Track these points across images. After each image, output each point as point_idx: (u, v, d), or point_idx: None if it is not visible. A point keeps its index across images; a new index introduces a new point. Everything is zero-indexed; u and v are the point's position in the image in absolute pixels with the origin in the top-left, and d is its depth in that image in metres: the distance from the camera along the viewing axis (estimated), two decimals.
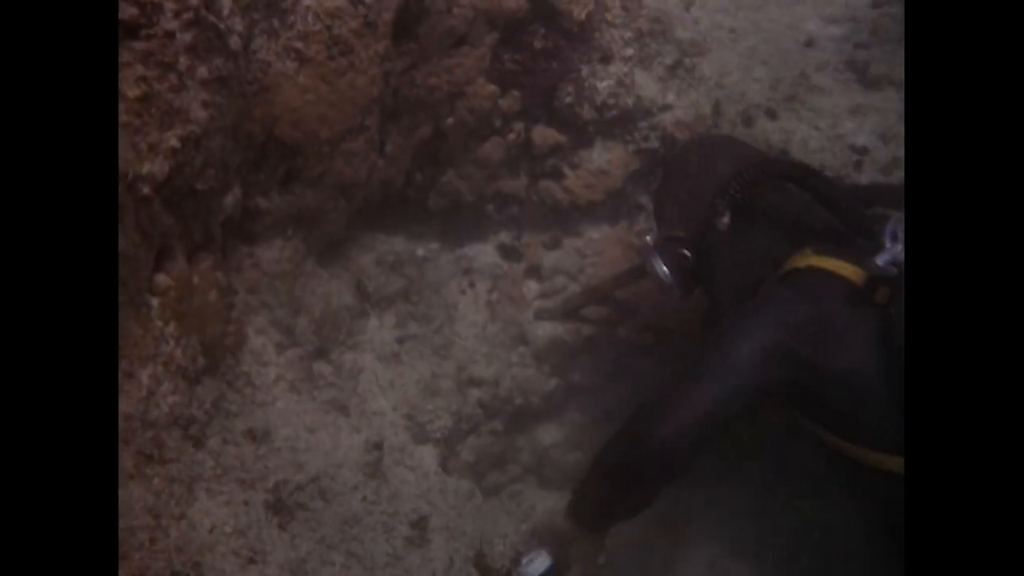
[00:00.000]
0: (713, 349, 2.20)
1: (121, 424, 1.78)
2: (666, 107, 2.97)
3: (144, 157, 1.80)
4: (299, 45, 2.19)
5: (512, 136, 2.82)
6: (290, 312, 2.42)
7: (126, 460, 1.78)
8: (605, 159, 2.94)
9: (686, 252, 2.41)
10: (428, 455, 2.65)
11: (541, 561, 2.29)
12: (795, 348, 2.13)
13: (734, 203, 2.31)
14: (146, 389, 1.87)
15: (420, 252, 2.87)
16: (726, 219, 2.31)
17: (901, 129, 2.99)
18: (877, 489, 2.16)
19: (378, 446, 2.41)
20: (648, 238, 2.49)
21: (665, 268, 2.43)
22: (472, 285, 2.92)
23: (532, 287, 2.99)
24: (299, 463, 2.21)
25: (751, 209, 2.37)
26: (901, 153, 2.92)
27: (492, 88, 2.68)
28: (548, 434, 3.02)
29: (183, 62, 1.88)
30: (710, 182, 2.40)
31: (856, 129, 2.99)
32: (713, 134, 2.69)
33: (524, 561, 2.30)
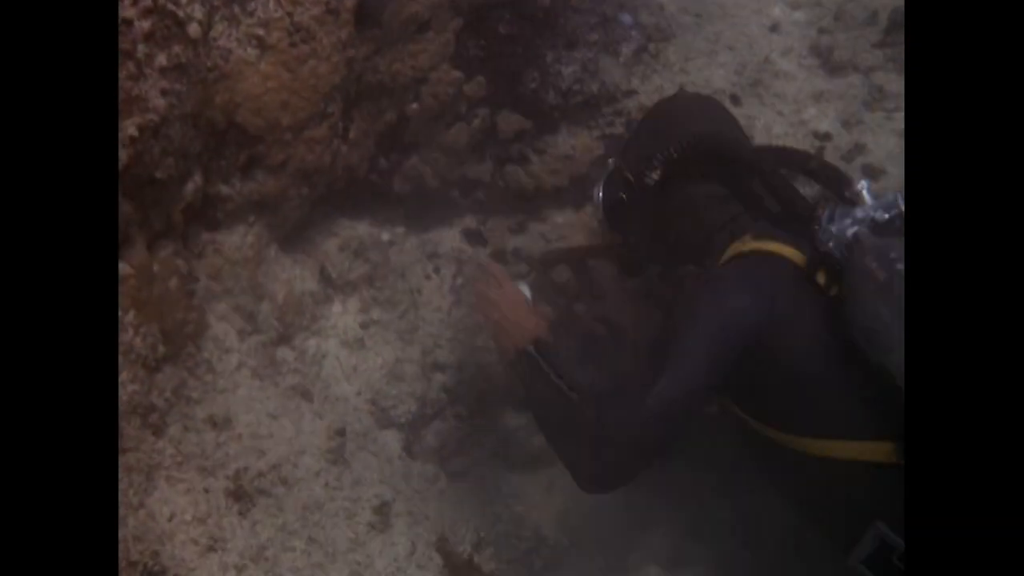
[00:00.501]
0: (669, 347, 2.18)
1: None
2: (631, 92, 2.98)
3: None
4: (260, 32, 2.18)
5: (477, 122, 2.82)
6: (253, 298, 2.41)
7: None
8: (570, 144, 2.95)
9: (622, 194, 2.45)
10: (392, 440, 2.66)
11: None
12: (746, 336, 2.14)
13: (669, 163, 2.35)
14: None
15: (385, 237, 2.87)
16: (655, 175, 2.36)
17: (863, 115, 3.02)
18: (811, 476, 2.17)
19: (340, 432, 2.42)
20: (610, 161, 2.54)
21: (600, 195, 2.50)
22: (437, 270, 2.92)
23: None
24: (260, 450, 2.22)
25: (693, 177, 2.40)
26: (863, 139, 2.95)
27: (457, 74, 2.68)
28: (513, 418, 3.03)
29: (141, 50, 1.87)
30: (672, 136, 2.41)
31: (819, 115, 3.02)
32: (711, 98, 2.67)
33: None
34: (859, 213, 2.14)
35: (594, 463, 2.16)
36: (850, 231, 2.10)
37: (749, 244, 2.27)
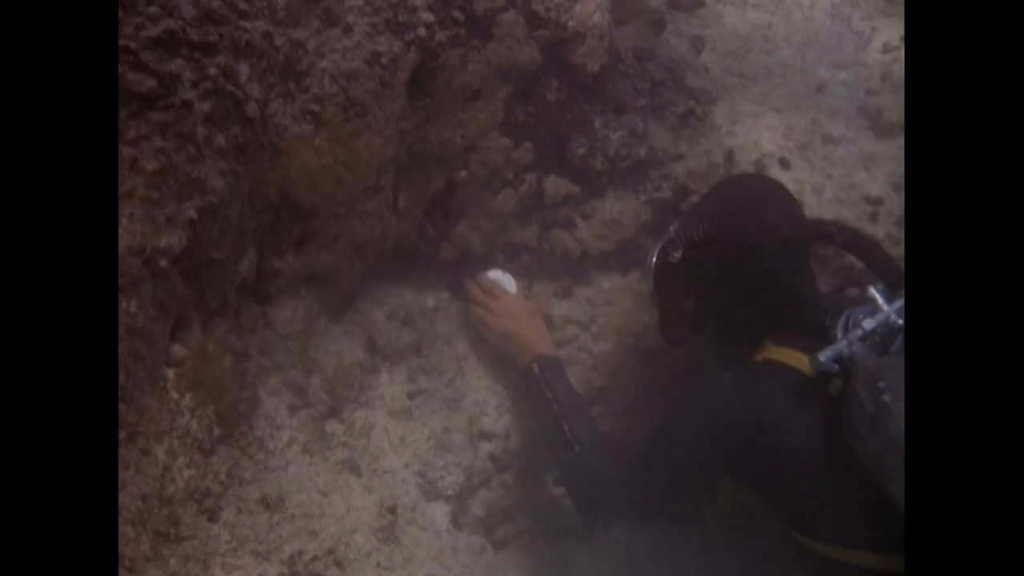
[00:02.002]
0: (661, 431, 2.43)
1: (138, 503, 1.75)
2: (678, 156, 2.95)
3: (162, 230, 1.77)
4: (315, 108, 2.16)
5: (524, 187, 2.80)
6: (303, 372, 2.38)
7: (143, 542, 1.75)
8: (617, 209, 2.92)
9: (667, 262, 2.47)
10: (440, 512, 2.62)
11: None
12: (741, 436, 2.22)
13: (691, 246, 2.39)
14: (162, 465, 1.84)
15: (431, 303, 2.84)
16: (678, 255, 2.40)
17: None
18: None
19: (391, 510, 2.38)
20: (671, 229, 2.55)
21: (654, 260, 2.52)
22: (482, 337, 2.89)
23: None
24: (313, 530, 2.18)
25: (724, 265, 2.38)
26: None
27: (506, 141, 2.66)
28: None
29: (201, 132, 1.85)
30: (714, 218, 2.41)
31: (870, 179, 2.98)
32: (774, 181, 2.64)
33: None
34: (868, 324, 2.16)
35: (576, 491, 2.63)
36: (846, 350, 2.12)
37: (767, 352, 2.31)
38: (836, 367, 2.11)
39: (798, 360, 2.24)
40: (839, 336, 2.16)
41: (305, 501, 2.23)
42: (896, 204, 2.90)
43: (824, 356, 2.11)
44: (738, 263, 2.35)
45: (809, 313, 2.32)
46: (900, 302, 2.16)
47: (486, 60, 2.48)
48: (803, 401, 2.19)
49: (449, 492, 2.66)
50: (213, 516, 1.98)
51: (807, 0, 3.56)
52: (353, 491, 2.38)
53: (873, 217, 2.86)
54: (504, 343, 2.76)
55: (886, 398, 1.94)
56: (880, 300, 2.19)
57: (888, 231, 2.83)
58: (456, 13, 2.36)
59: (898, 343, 2.17)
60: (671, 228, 2.54)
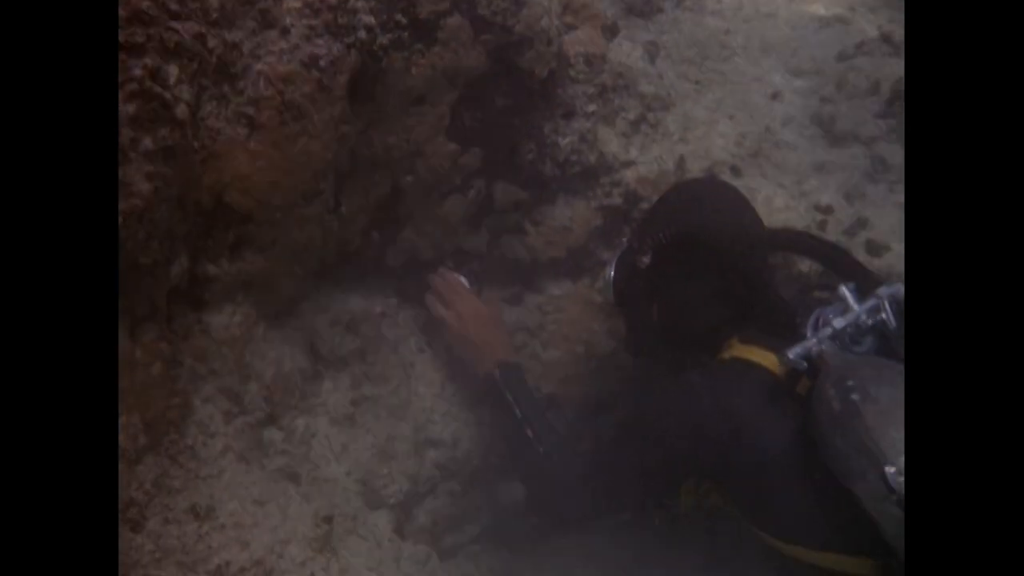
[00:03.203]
0: (630, 434, 2.37)
1: None
2: (629, 163, 2.93)
3: None
4: (250, 111, 2.13)
5: (473, 193, 2.77)
6: (239, 379, 2.35)
7: None
8: (567, 216, 2.90)
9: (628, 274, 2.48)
10: (382, 521, 2.58)
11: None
12: (709, 438, 2.19)
13: (658, 248, 2.39)
14: None
15: (377, 309, 2.80)
16: (646, 259, 2.40)
17: (866, 188, 2.97)
18: None
19: (328, 519, 2.34)
20: (624, 240, 2.60)
21: (612, 273, 2.55)
22: (430, 343, 2.86)
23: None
24: (244, 540, 2.14)
25: (687, 267, 2.38)
26: (865, 212, 2.89)
27: (453, 146, 2.63)
28: (507, 493, 2.95)
29: (126, 134, 1.82)
30: (674, 221, 2.41)
31: (820, 187, 2.97)
32: (729, 185, 2.64)
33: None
34: (837, 323, 2.15)
35: (539, 492, 2.55)
36: (815, 348, 2.10)
37: (734, 349, 2.30)
38: (804, 364, 2.10)
39: (766, 359, 2.23)
40: (808, 334, 2.15)
41: (238, 510, 2.19)
42: (846, 213, 2.89)
43: (793, 353, 2.10)
44: (709, 261, 2.35)
45: (779, 311, 2.31)
46: (872, 302, 2.16)
47: (431, 64, 2.45)
48: (771, 399, 2.17)
49: (392, 500, 2.63)
50: (136, 526, 1.95)
51: (766, 7, 3.55)
52: (290, 500, 2.34)
53: (822, 225, 2.85)
54: (465, 347, 2.71)
55: (854, 397, 1.93)
56: (851, 299, 2.19)
57: (837, 240, 2.81)
58: (399, 16, 2.33)
59: (867, 343, 2.16)
60: (624, 240, 2.53)
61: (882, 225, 2.86)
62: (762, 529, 2.20)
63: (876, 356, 2.14)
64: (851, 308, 2.17)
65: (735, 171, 2.95)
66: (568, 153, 2.82)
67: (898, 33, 3.25)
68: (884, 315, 2.14)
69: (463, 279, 2.82)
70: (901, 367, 1.93)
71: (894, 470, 1.81)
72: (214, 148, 2.10)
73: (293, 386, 2.50)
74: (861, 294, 2.21)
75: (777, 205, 2.90)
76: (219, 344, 2.29)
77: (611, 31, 2.97)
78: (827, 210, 2.89)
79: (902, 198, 2.90)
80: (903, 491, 1.78)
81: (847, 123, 3.08)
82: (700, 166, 2.94)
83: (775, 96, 3.20)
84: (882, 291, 2.17)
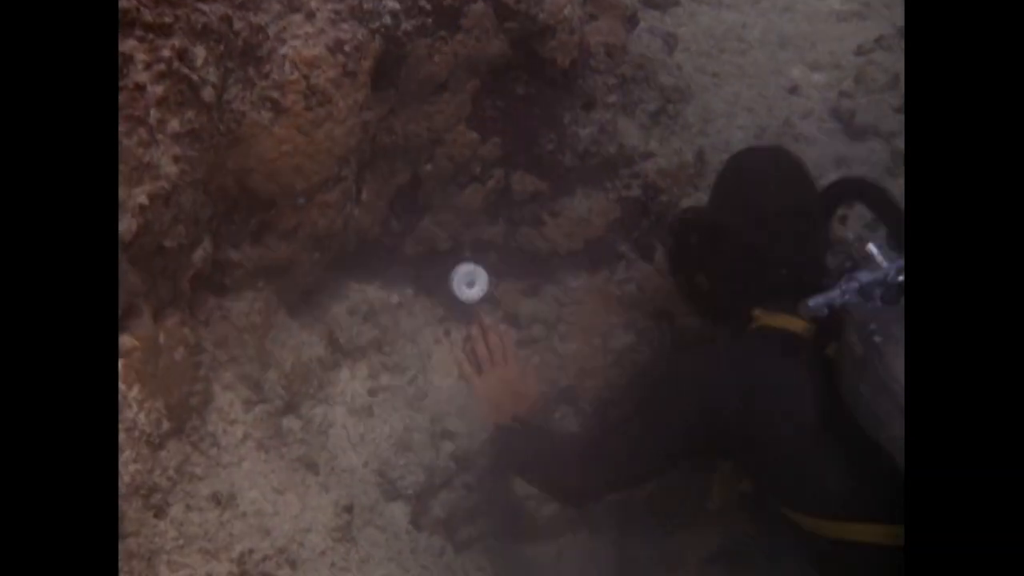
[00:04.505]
0: (648, 405, 2.32)
1: None
2: (648, 154, 2.91)
3: None
4: (275, 95, 2.10)
5: (492, 183, 2.75)
6: (259, 366, 2.33)
7: None
8: (586, 207, 2.88)
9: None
10: (399, 512, 2.57)
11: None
12: (735, 406, 2.14)
13: (697, 219, 2.41)
14: None
15: (395, 299, 2.78)
16: (685, 229, 2.43)
17: (885, 181, 2.95)
18: (821, 555, 2.15)
19: (348, 509, 2.32)
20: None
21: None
22: (447, 333, 2.84)
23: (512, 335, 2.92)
24: (265, 529, 2.12)
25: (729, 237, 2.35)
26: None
27: (473, 135, 2.61)
28: (523, 486, 2.93)
29: (153, 115, 1.79)
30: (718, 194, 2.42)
31: None
32: (780, 150, 2.55)
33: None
34: (863, 276, 2.10)
35: (551, 476, 2.50)
36: (839, 299, 2.07)
37: (759, 320, 2.25)
38: (825, 311, 2.07)
39: (792, 323, 2.19)
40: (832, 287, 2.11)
41: (258, 498, 2.16)
42: (866, 209, 2.87)
43: (813, 302, 2.07)
44: (715, 239, 2.34)
45: (810, 277, 2.24)
46: (901, 261, 2.10)
47: (453, 51, 2.43)
48: (797, 360, 2.13)
49: (409, 492, 2.61)
50: (160, 512, 1.92)
51: (782, 1, 3.54)
52: (309, 489, 2.32)
53: (843, 220, 2.83)
54: (483, 400, 2.72)
55: (877, 339, 1.88)
56: (878, 256, 2.14)
57: (859, 234, 2.80)
58: (423, 2, 2.31)
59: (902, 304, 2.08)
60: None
61: None
62: (794, 507, 2.13)
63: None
64: (879, 265, 2.12)
65: None
66: (588, 144, 2.80)
67: None
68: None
69: (483, 272, 2.79)
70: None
71: None
72: (239, 132, 2.08)
73: (311, 375, 2.48)
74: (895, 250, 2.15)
75: None
76: (240, 331, 2.27)
77: (631, 22, 2.95)
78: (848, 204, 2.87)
79: None
80: None
81: (866, 117, 3.07)
82: (719, 158, 2.91)
83: (794, 90, 3.19)
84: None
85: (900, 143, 3.01)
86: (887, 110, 3.07)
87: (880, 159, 2.99)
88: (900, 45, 3.24)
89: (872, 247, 2.16)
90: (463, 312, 2.84)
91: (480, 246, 2.86)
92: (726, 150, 2.95)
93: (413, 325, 2.80)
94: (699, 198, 2.89)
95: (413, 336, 2.78)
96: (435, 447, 2.70)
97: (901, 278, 2.08)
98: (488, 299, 2.83)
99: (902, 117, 3.05)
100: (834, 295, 2.07)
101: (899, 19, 3.37)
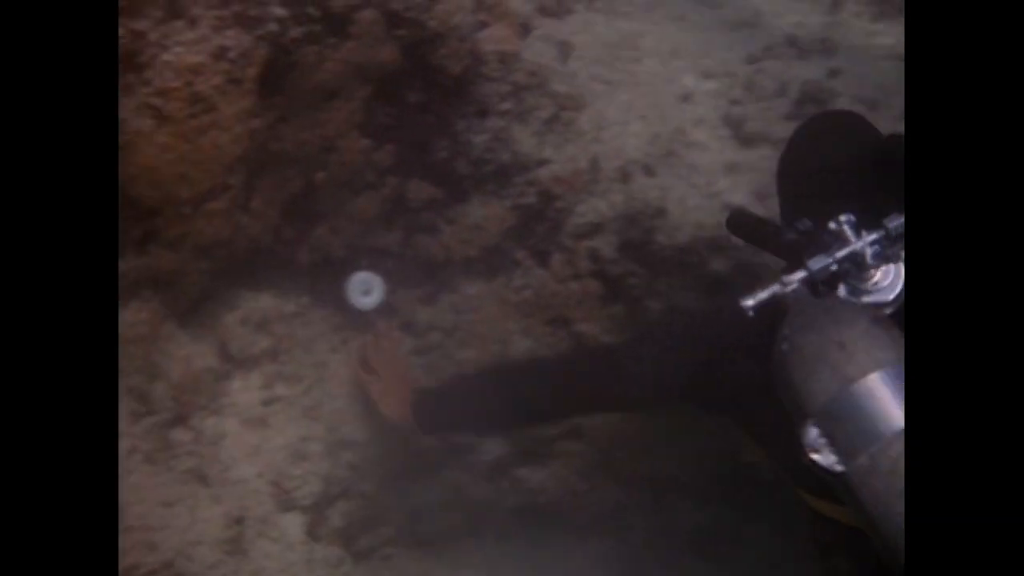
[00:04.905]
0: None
1: None
2: (543, 161, 2.92)
3: None
4: (157, 102, 2.08)
5: (387, 190, 2.74)
6: (146, 378, 2.30)
7: None
8: (481, 214, 2.89)
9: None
10: (294, 524, 2.55)
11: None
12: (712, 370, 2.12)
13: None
14: None
15: (290, 308, 2.76)
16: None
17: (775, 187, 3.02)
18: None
19: (239, 521, 2.29)
20: None
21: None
22: (344, 342, 2.83)
23: (406, 343, 2.91)
24: (152, 543, 2.09)
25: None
26: (776, 211, 2.94)
27: (366, 142, 2.61)
28: (422, 494, 2.93)
29: None
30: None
31: (732, 187, 3.00)
32: (845, 114, 2.39)
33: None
34: (814, 264, 1.88)
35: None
36: (790, 287, 1.87)
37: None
38: (750, 313, 1.87)
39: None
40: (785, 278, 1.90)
41: (145, 512, 2.14)
42: (757, 212, 2.92)
43: (754, 299, 1.88)
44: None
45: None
46: (874, 235, 1.87)
47: (343, 59, 2.43)
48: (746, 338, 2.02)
49: (305, 502, 2.59)
50: None
51: (677, 10, 3.59)
52: (199, 501, 2.30)
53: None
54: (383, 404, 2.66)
55: (784, 347, 1.78)
56: (849, 232, 1.89)
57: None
58: (311, 9, 2.30)
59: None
60: None
61: None
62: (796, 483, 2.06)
63: (846, 299, 1.89)
64: (849, 241, 1.89)
65: (648, 171, 2.96)
66: (482, 151, 2.81)
67: (803, 36, 3.31)
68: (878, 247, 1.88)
69: (378, 279, 2.77)
70: (867, 310, 1.80)
71: (811, 434, 1.70)
72: (121, 139, 2.04)
73: (202, 386, 2.45)
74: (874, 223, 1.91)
75: (689, 204, 2.92)
76: (126, 343, 2.23)
77: (524, 30, 2.97)
78: None
79: None
80: (813, 458, 1.69)
81: (756, 124, 3.12)
82: (613, 165, 2.95)
83: (686, 98, 3.23)
84: (890, 221, 1.88)
85: None
86: (776, 117, 3.13)
87: (770, 165, 3.04)
88: (788, 53, 3.31)
89: (844, 220, 1.92)
90: (360, 320, 2.83)
91: (376, 254, 2.85)
92: (620, 157, 2.98)
93: (309, 334, 2.77)
94: (594, 205, 2.91)
95: (309, 345, 2.76)
96: (332, 456, 2.69)
97: (871, 257, 1.88)
98: (384, 307, 2.82)
99: (791, 124, 3.11)
100: (774, 288, 1.88)
101: (789, 28, 3.44)
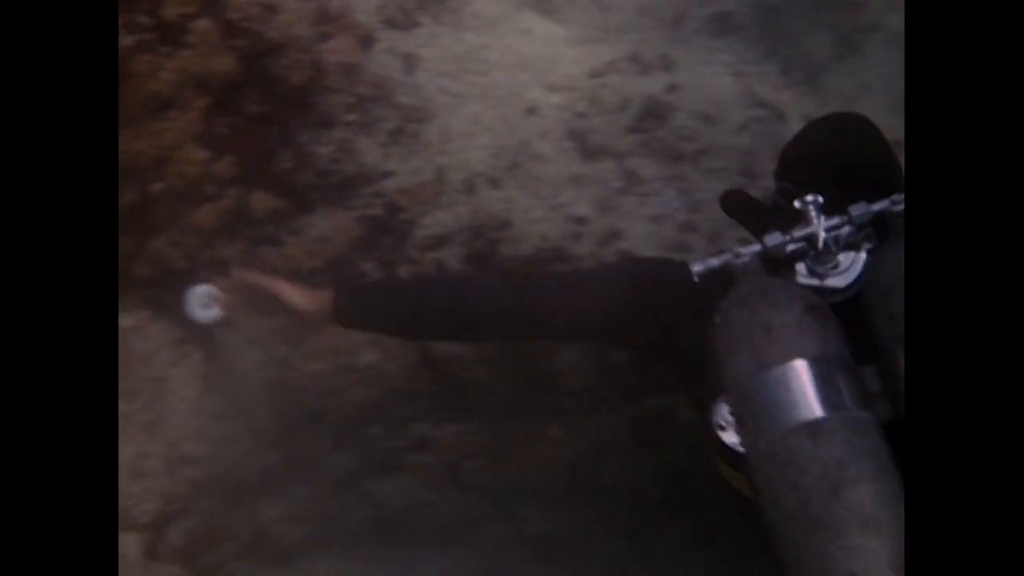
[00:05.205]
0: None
1: None
2: (388, 173, 2.93)
3: None
4: None
5: (228, 202, 2.71)
6: None
7: None
8: (327, 225, 2.87)
9: None
10: (131, 542, 2.49)
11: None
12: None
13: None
14: None
15: (127, 322, 2.70)
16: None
17: (618, 199, 3.09)
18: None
19: None
20: None
21: None
22: (185, 356, 2.77)
23: (251, 357, 2.87)
24: None
25: None
26: (618, 224, 3.00)
27: (204, 153, 2.57)
28: (268, 509, 2.90)
29: None
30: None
31: (576, 199, 3.06)
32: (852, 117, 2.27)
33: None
34: (770, 240, 1.89)
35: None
36: (742, 259, 1.88)
37: None
38: (695, 280, 1.88)
39: None
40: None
41: None
42: (599, 224, 2.99)
43: (700, 265, 1.89)
44: None
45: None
46: (835, 219, 1.87)
47: (179, 68, 2.39)
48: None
49: (143, 520, 2.53)
50: None
51: (524, 24, 3.63)
52: None
53: (577, 236, 2.94)
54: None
55: (717, 319, 1.76)
56: (813, 213, 1.88)
57: (592, 250, 2.91)
58: (141, 18, 2.27)
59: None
60: None
61: (634, 235, 2.98)
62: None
63: (790, 283, 1.87)
64: (812, 222, 1.87)
65: (494, 183, 3.00)
66: (327, 162, 2.80)
67: (646, 53, 3.39)
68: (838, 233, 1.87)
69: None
70: (807, 297, 1.76)
71: (721, 411, 1.74)
72: None
73: None
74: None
75: (534, 216, 2.97)
76: None
77: (368, 41, 2.97)
78: (582, 221, 2.98)
79: (652, 211, 3.04)
80: (718, 434, 1.73)
81: (599, 138, 3.18)
82: (459, 177, 2.98)
83: (532, 111, 3.28)
84: (855, 209, 1.88)
85: (631, 163, 3.14)
86: (619, 131, 3.20)
87: (613, 178, 3.11)
88: (631, 68, 3.38)
89: (810, 201, 1.89)
90: (202, 333, 2.78)
91: (217, 266, 2.80)
92: (466, 169, 3.01)
93: (147, 348, 2.71)
94: (440, 217, 2.93)
95: (147, 359, 2.70)
96: (172, 472, 2.63)
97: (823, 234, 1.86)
98: (226, 321, 2.77)
99: (633, 137, 3.19)
100: (726, 257, 1.87)
101: (632, 45, 3.52)
